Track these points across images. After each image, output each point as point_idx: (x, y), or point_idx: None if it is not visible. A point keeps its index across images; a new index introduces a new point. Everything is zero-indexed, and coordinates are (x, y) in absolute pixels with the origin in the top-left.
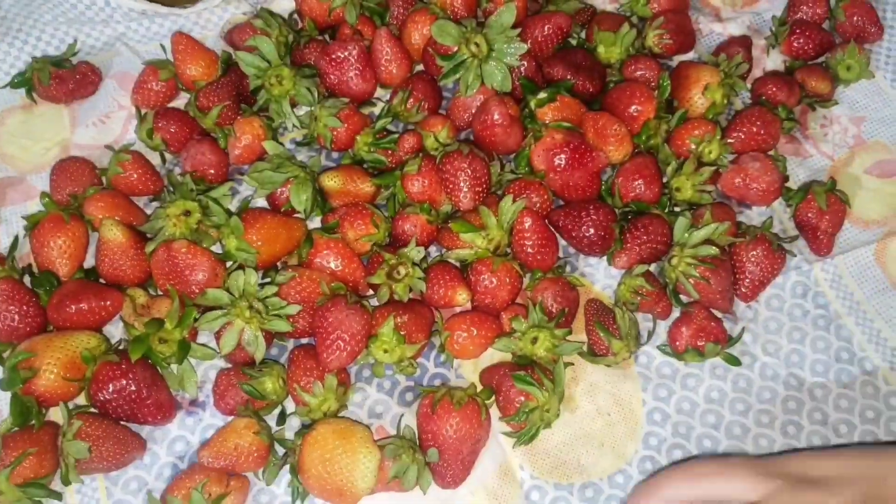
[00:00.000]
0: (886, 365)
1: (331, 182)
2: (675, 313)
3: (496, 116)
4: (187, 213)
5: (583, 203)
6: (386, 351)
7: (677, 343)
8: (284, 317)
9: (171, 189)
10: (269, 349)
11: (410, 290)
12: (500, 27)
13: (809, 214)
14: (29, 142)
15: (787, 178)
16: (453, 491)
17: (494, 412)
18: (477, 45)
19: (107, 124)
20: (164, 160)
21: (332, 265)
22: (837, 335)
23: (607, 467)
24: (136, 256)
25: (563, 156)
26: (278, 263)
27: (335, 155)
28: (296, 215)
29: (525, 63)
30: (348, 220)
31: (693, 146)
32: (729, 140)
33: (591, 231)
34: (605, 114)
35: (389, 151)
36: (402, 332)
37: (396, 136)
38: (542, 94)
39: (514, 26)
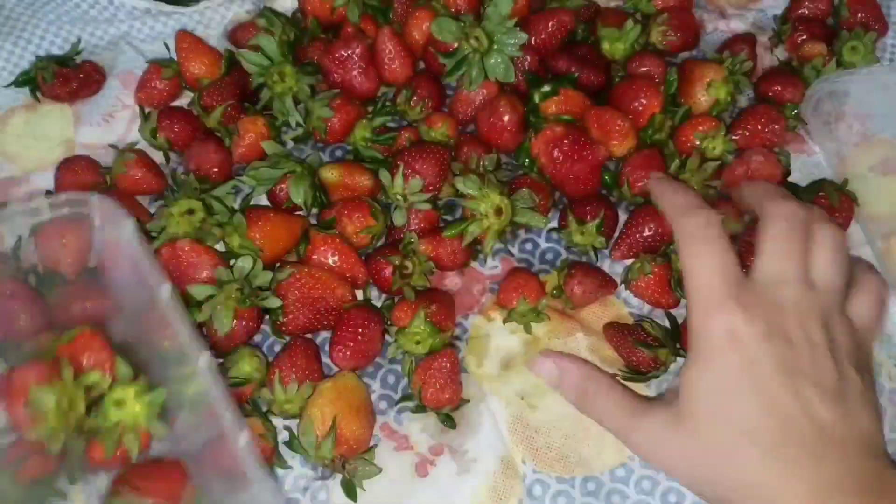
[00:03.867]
0: (891, 362)
1: (329, 175)
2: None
3: (506, 119)
4: (191, 211)
5: (584, 199)
6: (418, 342)
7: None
8: (274, 299)
9: (175, 188)
10: (269, 343)
11: (425, 274)
12: (499, 18)
13: (801, 190)
14: (33, 141)
15: (789, 173)
16: (454, 486)
17: (498, 418)
18: (477, 38)
19: (111, 123)
20: (167, 159)
21: (331, 261)
22: None
23: (609, 461)
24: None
25: (562, 149)
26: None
27: (338, 153)
28: (298, 212)
29: (528, 57)
30: (346, 214)
31: (697, 142)
32: (733, 137)
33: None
34: (610, 108)
35: (386, 147)
36: (432, 322)
37: (394, 135)
38: (546, 88)
39: (512, 16)
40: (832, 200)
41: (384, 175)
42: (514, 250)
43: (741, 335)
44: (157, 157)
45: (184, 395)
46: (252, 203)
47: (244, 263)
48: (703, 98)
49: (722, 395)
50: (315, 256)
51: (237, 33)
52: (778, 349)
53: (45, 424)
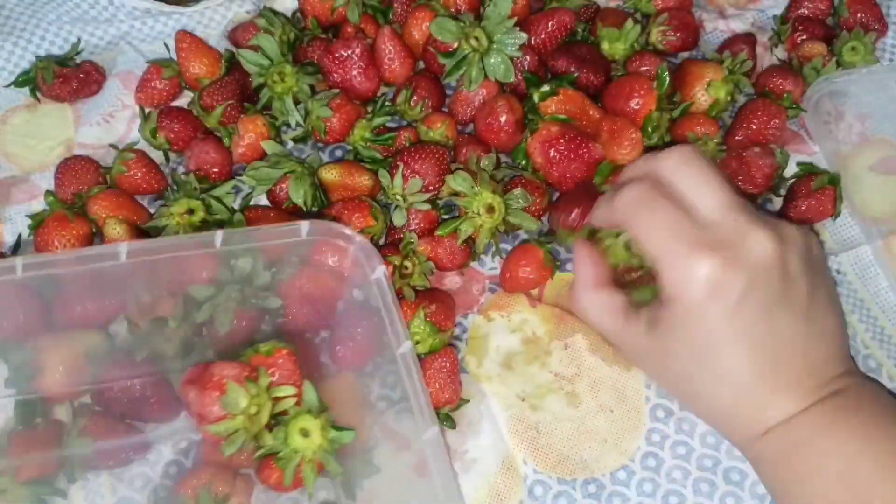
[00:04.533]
0: (891, 362)
1: (329, 175)
2: None
3: (503, 120)
4: (191, 211)
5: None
6: (418, 342)
7: None
8: (274, 299)
9: (175, 188)
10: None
11: (425, 274)
12: (499, 18)
13: (802, 188)
14: (33, 141)
15: (784, 167)
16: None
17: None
18: (476, 38)
19: (111, 123)
20: (167, 159)
21: (331, 261)
22: None
23: (610, 463)
24: None
25: (558, 148)
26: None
27: (338, 153)
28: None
29: (528, 57)
30: (347, 214)
31: (690, 139)
32: (737, 138)
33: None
34: (622, 119)
35: (385, 147)
36: (432, 322)
37: (394, 135)
38: (545, 87)
39: (512, 16)
40: (816, 183)
41: (384, 175)
42: None
43: (721, 283)
44: (157, 156)
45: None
46: (252, 203)
47: (244, 264)
48: (702, 98)
49: (705, 345)
50: (315, 257)
51: (237, 33)
52: (757, 290)
53: (231, 423)
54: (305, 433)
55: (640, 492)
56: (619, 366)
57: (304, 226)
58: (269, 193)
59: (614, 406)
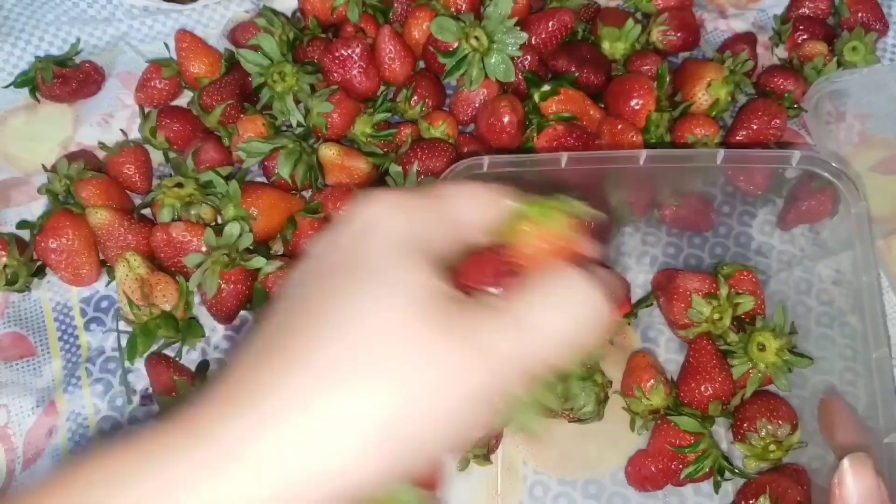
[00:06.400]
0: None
1: (329, 151)
2: None
3: (506, 121)
4: (180, 185)
5: None
6: None
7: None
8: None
9: (174, 169)
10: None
11: None
12: (499, 18)
13: (803, 188)
14: (32, 142)
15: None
16: (454, 487)
17: None
18: (477, 38)
19: (110, 123)
20: (167, 159)
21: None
22: (841, 332)
23: (611, 464)
24: (132, 226)
25: (566, 146)
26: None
27: None
28: (294, 193)
29: (528, 57)
30: (331, 201)
31: (689, 142)
32: (737, 138)
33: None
34: (623, 121)
35: (385, 144)
36: None
37: (394, 131)
38: (546, 87)
39: (512, 16)
40: (817, 183)
41: (395, 171)
42: None
43: None
44: (157, 156)
45: None
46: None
47: (232, 230)
48: (703, 98)
49: None
50: (304, 241)
51: (237, 33)
52: None
53: (697, 329)
54: (762, 347)
55: (641, 493)
56: (619, 366)
57: (796, 154)
58: (264, 169)
59: (614, 406)
